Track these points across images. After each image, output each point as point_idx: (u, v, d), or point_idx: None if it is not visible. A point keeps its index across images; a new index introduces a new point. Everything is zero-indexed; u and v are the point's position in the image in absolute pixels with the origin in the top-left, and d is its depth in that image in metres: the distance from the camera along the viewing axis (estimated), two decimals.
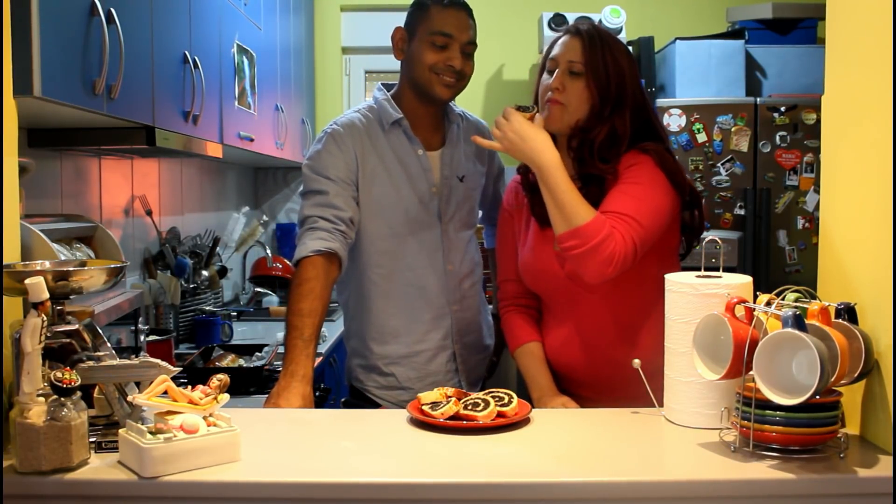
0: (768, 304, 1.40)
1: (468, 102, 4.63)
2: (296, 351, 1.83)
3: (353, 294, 2.13)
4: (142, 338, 2.42)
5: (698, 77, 3.97)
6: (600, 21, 4.05)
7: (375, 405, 2.12)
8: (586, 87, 1.85)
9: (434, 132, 2.14)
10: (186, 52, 2.30)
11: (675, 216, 1.87)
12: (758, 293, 1.46)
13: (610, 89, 1.85)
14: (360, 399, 2.16)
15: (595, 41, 1.86)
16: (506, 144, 1.81)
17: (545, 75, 1.91)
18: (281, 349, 2.75)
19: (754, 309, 1.42)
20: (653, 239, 1.79)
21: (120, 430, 1.35)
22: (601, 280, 1.74)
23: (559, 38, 1.92)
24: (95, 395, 1.46)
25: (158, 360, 1.42)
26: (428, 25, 2.02)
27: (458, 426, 1.52)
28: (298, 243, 1.96)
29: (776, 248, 3.87)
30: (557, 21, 4.08)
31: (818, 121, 2.43)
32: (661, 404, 1.61)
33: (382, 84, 2.19)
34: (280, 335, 3.07)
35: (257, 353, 2.77)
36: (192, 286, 3.10)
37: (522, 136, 1.79)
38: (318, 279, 1.89)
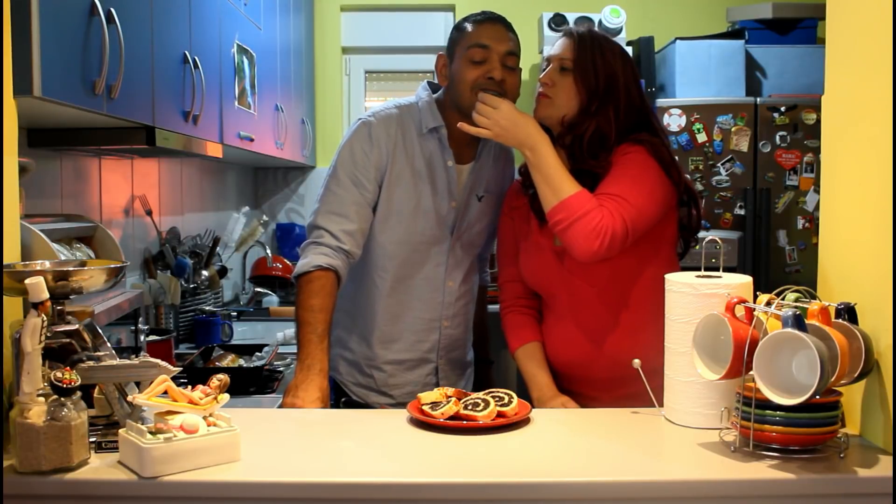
0: (768, 304, 1.41)
1: None
2: (311, 346, 1.84)
3: (353, 289, 2.11)
4: (142, 338, 2.42)
5: (698, 77, 3.97)
6: (600, 21, 4.05)
7: (350, 398, 2.12)
8: (574, 83, 1.89)
9: (467, 146, 2.08)
10: (186, 52, 2.30)
11: (670, 205, 1.89)
12: (758, 293, 1.46)
13: (598, 87, 1.88)
14: (336, 392, 2.15)
15: (585, 41, 1.91)
16: (497, 131, 1.84)
17: (540, 74, 1.98)
18: (281, 349, 2.75)
19: (754, 309, 1.42)
20: (646, 222, 1.80)
21: (120, 430, 1.35)
22: (591, 256, 1.73)
23: (558, 39, 1.97)
24: (95, 395, 1.47)
25: (158, 360, 1.43)
26: (464, 42, 1.98)
27: (458, 426, 1.52)
28: (302, 255, 1.96)
29: (776, 248, 3.87)
30: (557, 21, 4.08)
31: (818, 121, 2.43)
32: (661, 404, 1.61)
33: (428, 83, 2.13)
34: (280, 335, 3.09)
35: (257, 353, 2.77)
36: (192, 286, 3.10)
37: (515, 121, 1.83)
38: (328, 280, 1.91)
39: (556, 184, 1.78)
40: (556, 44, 1.97)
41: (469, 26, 2.00)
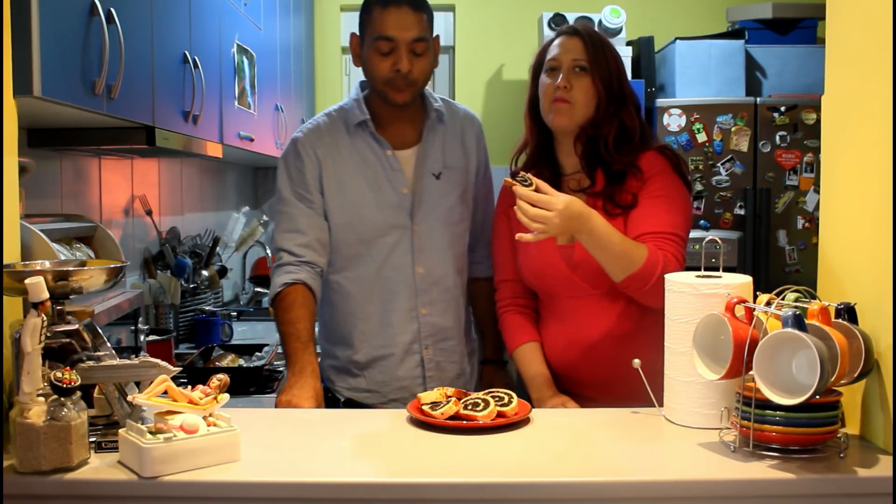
0: (768, 304, 1.40)
1: (469, 102, 4.63)
2: (298, 353, 1.87)
3: (324, 298, 2.10)
4: (142, 338, 2.42)
5: (698, 77, 3.97)
6: (600, 21, 4.05)
7: (345, 405, 2.10)
8: (592, 83, 1.88)
9: (408, 129, 2.06)
10: (186, 52, 2.30)
11: None
12: (758, 293, 1.46)
13: (613, 85, 1.88)
14: (331, 400, 2.14)
15: (596, 40, 1.90)
16: (555, 232, 1.70)
17: (544, 76, 1.92)
18: (281, 349, 2.75)
19: (754, 309, 1.42)
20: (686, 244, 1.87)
21: (120, 430, 1.35)
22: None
23: (555, 39, 1.94)
24: (95, 395, 1.46)
25: (158, 360, 1.42)
26: (371, 31, 1.94)
27: (458, 426, 1.52)
28: (271, 281, 2.02)
29: (776, 248, 3.87)
30: (557, 21, 4.09)
31: (818, 121, 2.43)
32: (661, 404, 1.61)
33: (361, 82, 2.10)
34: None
35: (257, 353, 2.77)
36: (192, 286, 3.10)
37: (570, 216, 1.67)
38: (298, 293, 1.94)
39: (625, 259, 1.74)
40: (556, 44, 1.92)
41: (375, 11, 1.94)
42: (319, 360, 2.14)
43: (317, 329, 2.17)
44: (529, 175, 1.72)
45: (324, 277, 2.06)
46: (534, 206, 1.68)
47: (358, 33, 2.02)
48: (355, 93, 2.09)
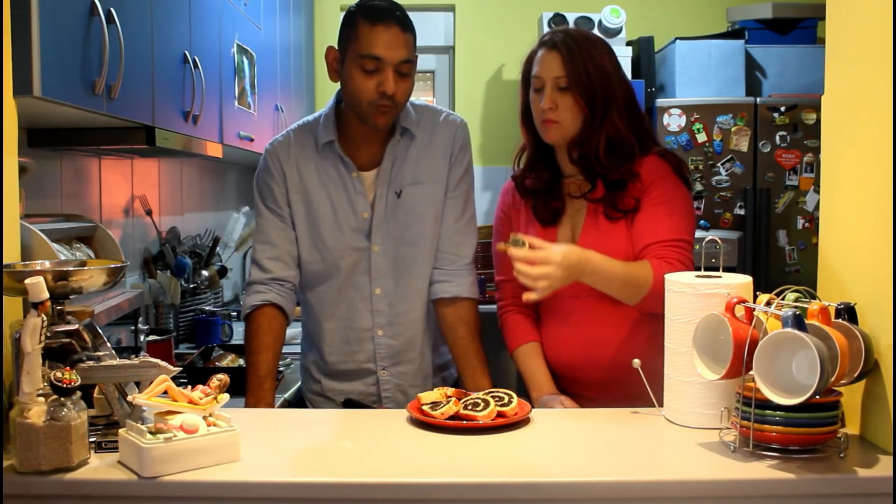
0: (768, 304, 1.40)
1: (469, 102, 4.65)
2: (254, 388, 1.92)
3: (301, 304, 2.13)
4: (142, 338, 2.42)
5: (698, 77, 3.97)
6: (600, 21, 4.06)
7: (345, 405, 2.10)
8: (574, 100, 1.86)
9: (377, 147, 1.99)
10: (186, 52, 2.30)
11: None
12: (758, 293, 1.46)
13: (596, 97, 1.86)
14: (301, 402, 2.18)
15: (574, 52, 1.86)
16: (560, 284, 1.71)
17: (533, 94, 1.92)
18: (282, 349, 2.76)
19: (754, 309, 1.42)
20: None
21: (120, 430, 1.35)
22: None
23: (537, 52, 1.92)
24: (95, 395, 1.47)
25: (158, 360, 1.43)
26: (356, 47, 1.85)
27: (458, 426, 1.52)
28: (243, 298, 2.05)
29: (776, 248, 3.87)
30: (557, 21, 4.08)
31: (818, 121, 2.43)
32: (661, 404, 1.61)
33: (339, 92, 2.01)
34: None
35: None
36: (192, 286, 3.10)
37: (570, 265, 1.69)
38: (264, 317, 1.97)
39: (633, 287, 1.77)
40: (538, 59, 1.90)
41: (362, 28, 1.84)
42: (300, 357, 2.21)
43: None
44: (520, 235, 1.72)
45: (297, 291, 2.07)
46: (532, 263, 1.68)
47: (337, 47, 1.93)
48: (329, 106, 2.02)
